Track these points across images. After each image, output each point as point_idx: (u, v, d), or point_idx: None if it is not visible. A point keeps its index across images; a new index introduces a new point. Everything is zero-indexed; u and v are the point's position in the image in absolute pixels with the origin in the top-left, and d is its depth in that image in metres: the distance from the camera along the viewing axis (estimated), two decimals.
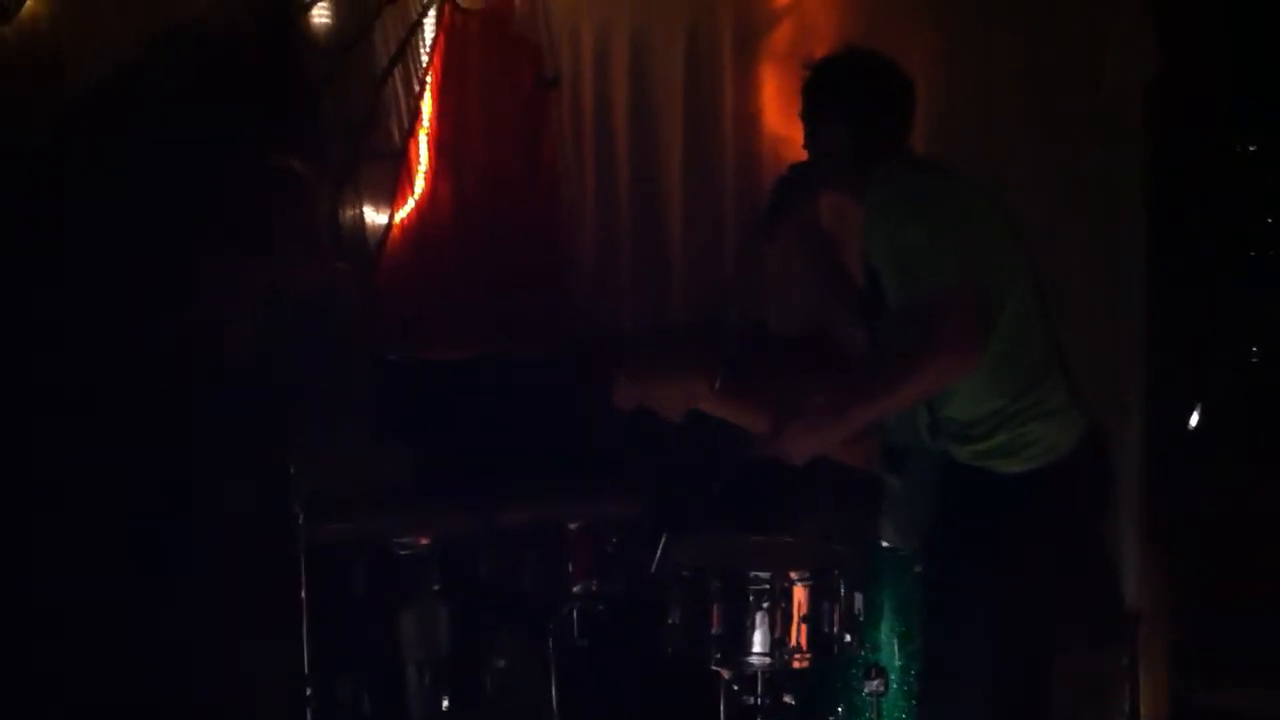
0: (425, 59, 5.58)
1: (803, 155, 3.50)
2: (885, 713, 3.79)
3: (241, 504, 3.98)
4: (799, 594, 3.42)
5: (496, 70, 5.86)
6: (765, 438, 3.31)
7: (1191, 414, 4.56)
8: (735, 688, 3.57)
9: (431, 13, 5.77)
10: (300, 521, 3.67)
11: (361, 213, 5.46)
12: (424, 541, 3.97)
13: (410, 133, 5.62)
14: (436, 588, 3.96)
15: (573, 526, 4.07)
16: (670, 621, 3.53)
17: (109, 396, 4.34)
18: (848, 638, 3.50)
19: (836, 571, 3.48)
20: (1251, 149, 4.53)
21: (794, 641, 3.42)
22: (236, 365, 4.09)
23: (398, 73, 5.48)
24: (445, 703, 3.99)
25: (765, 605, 3.40)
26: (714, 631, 3.44)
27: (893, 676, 3.76)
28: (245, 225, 4.11)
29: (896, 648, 3.87)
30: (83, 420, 4.32)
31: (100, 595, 4.33)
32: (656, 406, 3.54)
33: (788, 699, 3.56)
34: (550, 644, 4.10)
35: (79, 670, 4.00)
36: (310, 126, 5.26)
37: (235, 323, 4.08)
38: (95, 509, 4.38)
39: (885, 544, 3.72)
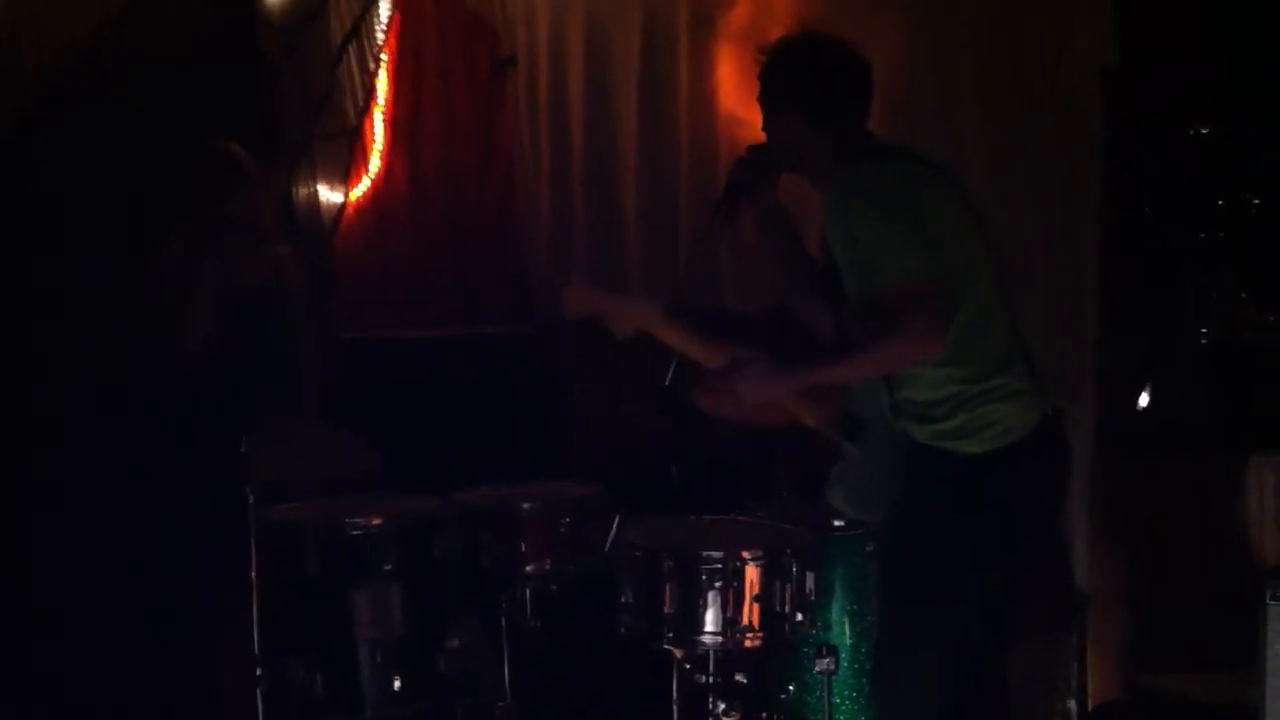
0: (381, 36, 5.53)
1: (761, 136, 3.50)
2: (836, 691, 3.81)
3: (197, 489, 3.96)
4: (751, 573, 3.43)
5: (452, 48, 5.83)
6: (719, 373, 3.30)
7: (1141, 394, 4.59)
8: (687, 666, 3.58)
9: None
10: (251, 503, 3.64)
11: (316, 191, 5.41)
12: (376, 521, 3.95)
13: (365, 110, 5.57)
14: (389, 568, 3.94)
15: (526, 506, 4.05)
16: (623, 601, 3.53)
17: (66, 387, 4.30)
18: (799, 617, 3.52)
19: (788, 551, 3.49)
20: (1204, 132, 4.57)
21: (746, 620, 3.43)
22: (187, 352, 4.06)
23: (353, 49, 5.43)
24: (398, 683, 3.98)
25: (717, 585, 3.41)
26: (666, 611, 3.45)
27: (844, 655, 3.77)
28: (190, 213, 4.07)
29: (848, 626, 3.89)
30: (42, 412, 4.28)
31: (62, 580, 4.31)
32: (606, 320, 3.53)
33: (740, 677, 3.57)
34: (503, 624, 4.10)
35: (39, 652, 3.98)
36: (268, 104, 5.21)
37: (187, 310, 4.05)
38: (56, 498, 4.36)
39: (834, 511, 3.72)
